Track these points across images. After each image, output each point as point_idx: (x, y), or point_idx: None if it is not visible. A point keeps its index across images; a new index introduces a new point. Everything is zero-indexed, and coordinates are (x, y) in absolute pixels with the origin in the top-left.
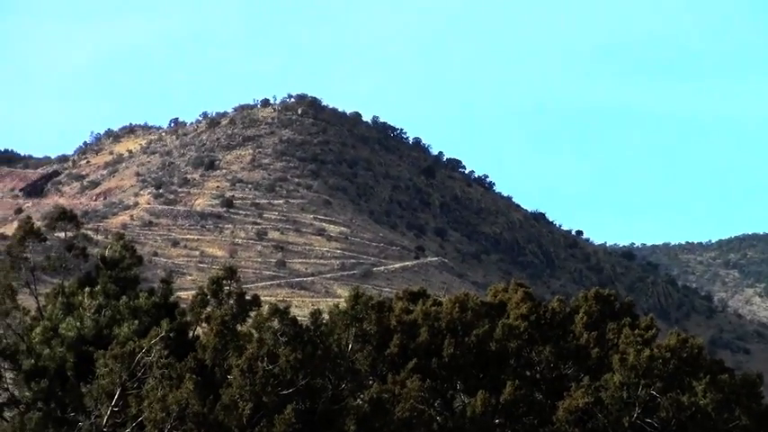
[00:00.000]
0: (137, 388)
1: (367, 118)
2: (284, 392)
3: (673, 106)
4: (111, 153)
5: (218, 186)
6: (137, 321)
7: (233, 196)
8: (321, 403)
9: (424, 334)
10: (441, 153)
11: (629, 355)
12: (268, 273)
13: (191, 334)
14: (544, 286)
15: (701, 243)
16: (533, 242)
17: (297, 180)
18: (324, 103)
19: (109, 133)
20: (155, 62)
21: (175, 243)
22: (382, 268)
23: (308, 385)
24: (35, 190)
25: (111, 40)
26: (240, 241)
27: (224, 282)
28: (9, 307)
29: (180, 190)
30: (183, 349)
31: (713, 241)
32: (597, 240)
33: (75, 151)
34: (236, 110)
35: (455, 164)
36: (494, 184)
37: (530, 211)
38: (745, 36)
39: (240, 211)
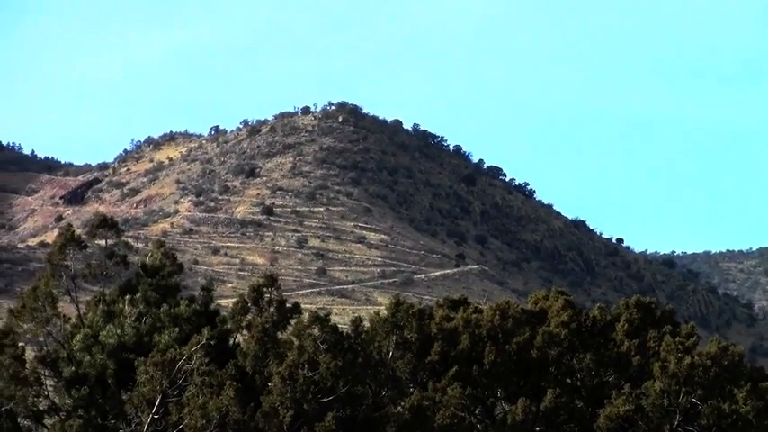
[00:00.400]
0: (177, 395)
1: (407, 125)
2: (325, 400)
3: (713, 114)
4: (151, 161)
5: (258, 194)
6: (177, 329)
7: (273, 204)
8: (361, 410)
9: (465, 341)
10: (481, 161)
11: (669, 363)
12: (308, 280)
13: (231, 341)
14: (584, 294)
15: (741, 251)
16: (574, 250)
17: (337, 188)
18: (364, 111)
19: (149, 141)
20: (195, 70)
21: (216, 251)
22: (423, 276)
23: (348, 392)
24: (75, 198)
25: (152, 48)
26: (280, 249)
27: (264, 289)
28: (50, 314)
29: (220, 198)
30: (224, 356)
31: (754, 249)
32: (638, 248)
33: (115, 159)
34: (276, 117)
35: (496, 171)
36: (534, 191)
37: (570, 218)
38: None
39: (280, 219)
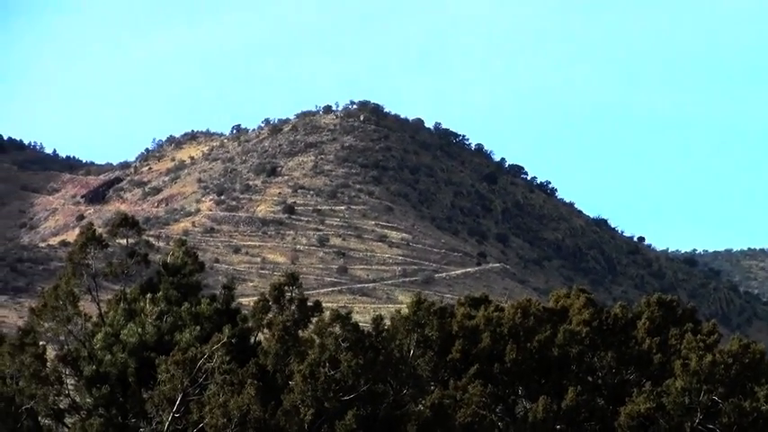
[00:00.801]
0: (198, 394)
1: (429, 124)
2: (346, 398)
3: (732, 112)
4: (172, 159)
5: (279, 193)
6: (198, 327)
7: (295, 203)
8: (383, 409)
9: (486, 339)
10: (503, 159)
11: (691, 361)
12: (330, 279)
13: (252, 340)
14: (606, 292)
15: (763, 249)
16: (595, 248)
17: (358, 186)
18: (386, 110)
19: (171, 140)
20: (217, 69)
21: (237, 249)
22: (444, 274)
23: (369, 391)
24: (97, 196)
25: (173, 47)
26: (302, 248)
27: (286, 288)
28: (71, 313)
29: (242, 196)
30: (245, 355)
31: None
32: (659, 246)
33: (136, 158)
34: (297, 116)
35: (517, 170)
36: (556, 190)
37: (592, 217)
38: None
39: (302, 218)
